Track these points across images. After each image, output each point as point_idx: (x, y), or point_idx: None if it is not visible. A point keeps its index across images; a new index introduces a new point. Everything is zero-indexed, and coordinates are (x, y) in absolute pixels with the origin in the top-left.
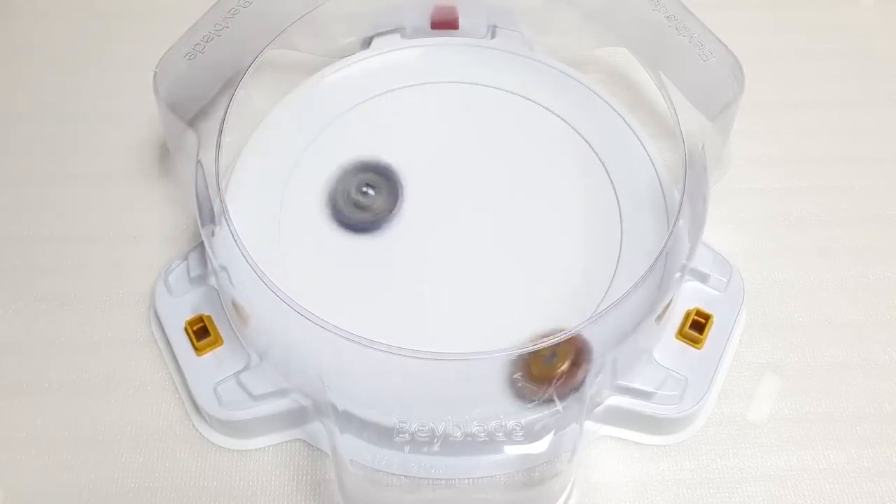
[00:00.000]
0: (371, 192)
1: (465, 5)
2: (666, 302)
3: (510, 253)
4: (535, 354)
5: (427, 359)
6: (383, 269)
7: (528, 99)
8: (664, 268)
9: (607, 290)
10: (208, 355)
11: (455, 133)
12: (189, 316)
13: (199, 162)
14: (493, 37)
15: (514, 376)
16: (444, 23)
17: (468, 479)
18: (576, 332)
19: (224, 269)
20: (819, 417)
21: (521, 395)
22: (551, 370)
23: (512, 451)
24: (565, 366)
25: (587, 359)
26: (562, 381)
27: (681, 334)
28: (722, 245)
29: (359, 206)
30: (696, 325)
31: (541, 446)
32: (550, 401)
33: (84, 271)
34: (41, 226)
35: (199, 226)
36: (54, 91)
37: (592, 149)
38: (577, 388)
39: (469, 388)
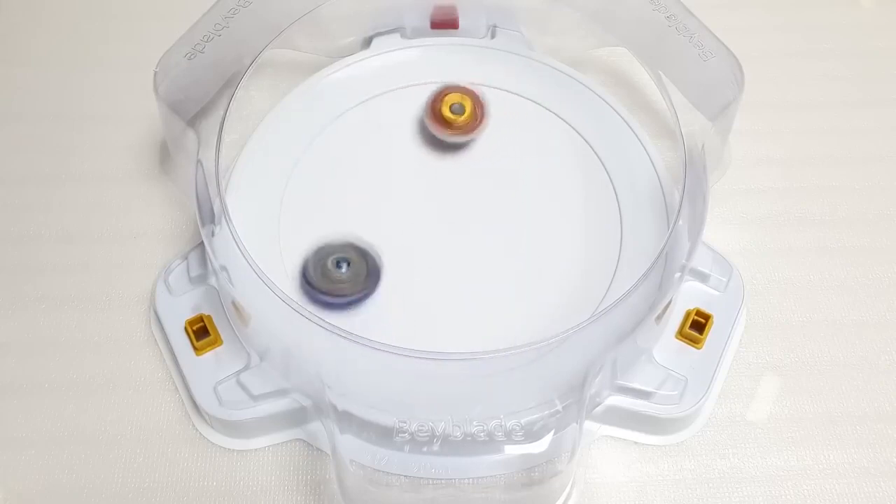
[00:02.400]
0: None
1: (465, 5)
2: (666, 302)
3: (510, 253)
4: (444, 103)
5: (427, 359)
6: (383, 269)
7: (528, 99)
8: (664, 268)
9: (607, 290)
10: (208, 355)
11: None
12: (189, 316)
13: (199, 162)
14: (493, 37)
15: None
16: (444, 23)
17: (468, 478)
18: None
19: (224, 269)
20: (819, 417)
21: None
22: (457, 117)
23: (512, 450)
24: (467, 114)
25: (484, 111)
26: (465, 126)
27: (681, 334)
28: (722, 245)
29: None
30: (696, 325)
31: (541, 446)
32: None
33: (84, 271)
34: (41, 226)
35: (199, 226)
36: (54, 91)
37: (592, 149)
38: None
39: (469, 388)
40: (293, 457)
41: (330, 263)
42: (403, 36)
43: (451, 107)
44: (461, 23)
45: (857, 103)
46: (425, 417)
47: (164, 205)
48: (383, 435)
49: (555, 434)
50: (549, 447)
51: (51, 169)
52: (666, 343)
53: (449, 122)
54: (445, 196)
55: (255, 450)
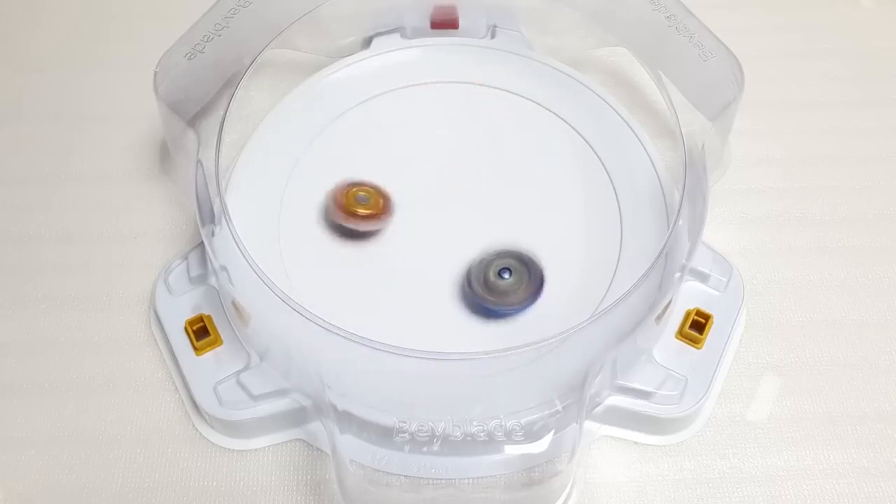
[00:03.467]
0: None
1: (465, 5)
2: (666, 302)
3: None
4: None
5: (427, 359)
6: (383, 269)
7: (528, 99)
8: (664, 268)
9: (607, 290)
10: (208, 355)
11: (455, 133)
12: (189, 316)
13: (199, 162)
14: (493, 37)
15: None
16: (444, 23)
17: (468, 478)
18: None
19: (224, 269)
20: (819, 417)
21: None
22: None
23: (512, 450)
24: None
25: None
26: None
27: (681, 334)
28: (722, 245)
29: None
30: (696, 325)
31: (541, 446)
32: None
33: (84, 271)
34: (41, 226)
35: (199, 226)
36: (54, 91)
37: (592, 149)
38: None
39: (469, 388)
40: (293, 457)
41: (492, 273)
42: (403, 36)
43: (356, 197)
44: (461, 23)
45: (857, 103)
46: (425, 417)
47: (164, 205)
48: (383, 435)
49: (555, 434)
50: (549, 447)
51: (51, 169)
52: (666, 343)
53: (354, 213)
54: (445, 196)
55: (255, 450)
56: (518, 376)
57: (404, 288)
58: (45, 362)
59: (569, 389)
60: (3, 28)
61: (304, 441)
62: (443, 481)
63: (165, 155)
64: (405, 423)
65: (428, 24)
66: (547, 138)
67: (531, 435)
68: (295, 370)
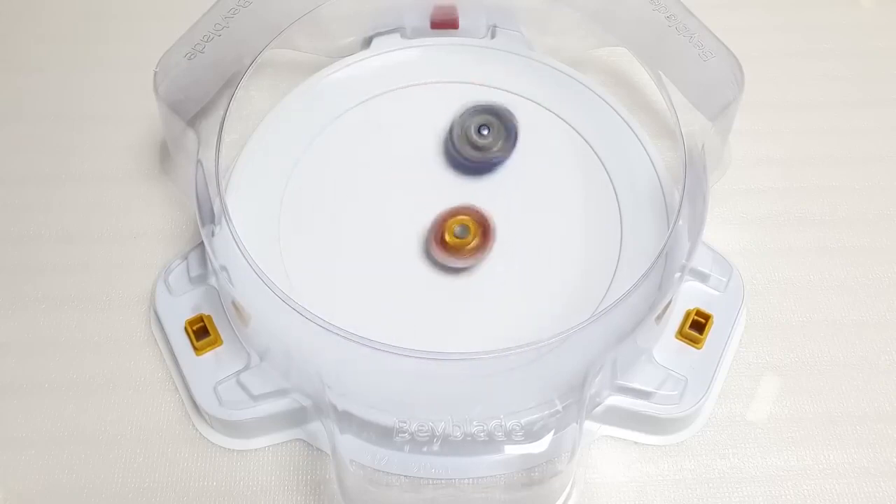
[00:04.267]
0: None
1: (465, 5)
2: (666, 302)
3: (510, 253)
4: (447, 228)
5: (427, 359)
6: (384, 269)
7: (528, 99)
8: (664, 268)
9: (607, 290)
10: (208, 355)
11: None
12: (189, 316)
13: (199, 162)
14: (493, 37)
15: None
16: (444, 23)
17: (468, 478)
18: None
19: (224, 269)
20: (819, 417)
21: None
22: (463, 243)
23: (512, 450)
24: (475, 241)
25: (491, 235)
26: (471, 253)
27: (681, 334)
28: (722, 245)
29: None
30: (696, 325)
31: (541, 446)
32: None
33: (84, 271)
34: (41, 226)
35: (199, 226)
36: (54, 91)
37: (592, 149)
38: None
39: (469, 388)
40: (293, 457)
41: (473, 130)
42: (403, 36)
43: (454, 230)
44: (461, 23)
45: (857, 103)
46: (425, 417)
47: (164, 205)
48: (383, 435)
49: (555, 434)
50: (549, 447)
51: (51, 169)
52: (666, 343)
53: (453, 246)
54: (446, 196)
55: (255, 450)
56: (518, 376)
57: (404, 287)
58: (45, 362)
59: (569, 389)
60: (3, 28)
61: (304, 441)
62: (443, 481)
63: (165, 155)
64: (405, 423)
65: (428, 24)
66: (547, 138)
67: (531, 435)
68: (295, 370)
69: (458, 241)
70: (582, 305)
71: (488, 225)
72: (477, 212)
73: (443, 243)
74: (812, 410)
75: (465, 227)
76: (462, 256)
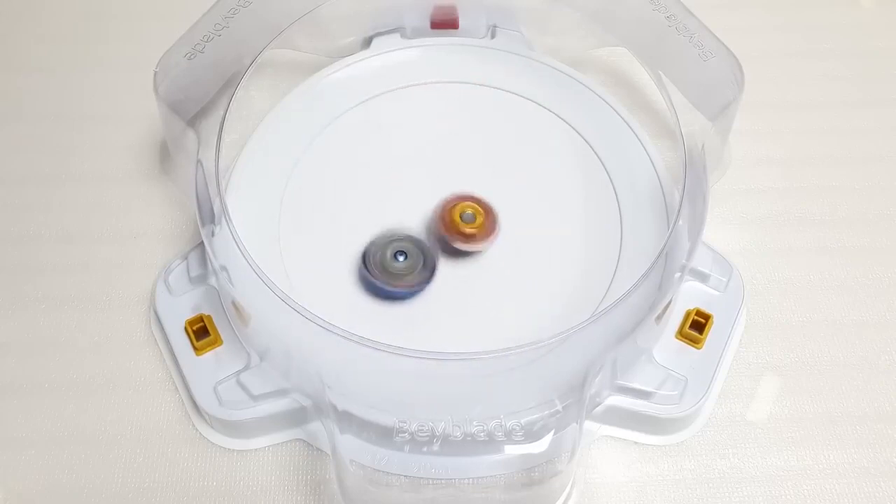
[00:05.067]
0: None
1: (465, 5)
2: (666, 302)
3: (510, 253)
4: (456, 212)
5: (427, 359)
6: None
7: (528, 99)
8: (664, 268)
9: (607, 290)
10: (208, 355)
11: (455, 133)
12: (189, 316)
13: (199, 162)
14: (493, 37)
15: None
16: (444, 23)
17: (468, 478)
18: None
19: (224, 269)
20: (819, 417)
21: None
22: (470, 226)
23: (512, 450)
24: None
25: (495, 221)
26: (477, 236)
27: (681, 334)
28: (722, 245)
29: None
30: (696, 325)
31: (541, 446)
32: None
33: (84, 271)
34: (41, 226)
35: (199, 226)
36: (54, 91)
37: (592, 149)
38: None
39: (469, 388)
40: (293, 457)
41: (389, 254)
42: (403, 36)
43: (461, 215)
44: (461, 23)
45: (857, 103)
46: (425, 417)
47: (164, 205)
48: (383, 435)
49: (555, 434)
50: (549, 447)
51: (51, 169)
52: (666, 343)
53: (462, 232)
54: (444, 196)
55: (255, 450)
56: (518, 376)
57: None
58: (45, 362)
59: (569, 389)
60: (3, 28)
61: (304, 441)
62: (443, 481)
63: (165, 155)
64: (405, 423)
65: (428, 24)
66: (547, 138)
67: (531, 435)
68: (295, 370)
69: (466, 225)
70: (582, 305)
71: (492, 211)
72: (479, 200)
73: (452, 227)
74: (812, 410)
75: (472, 214)
76: (471, 242)
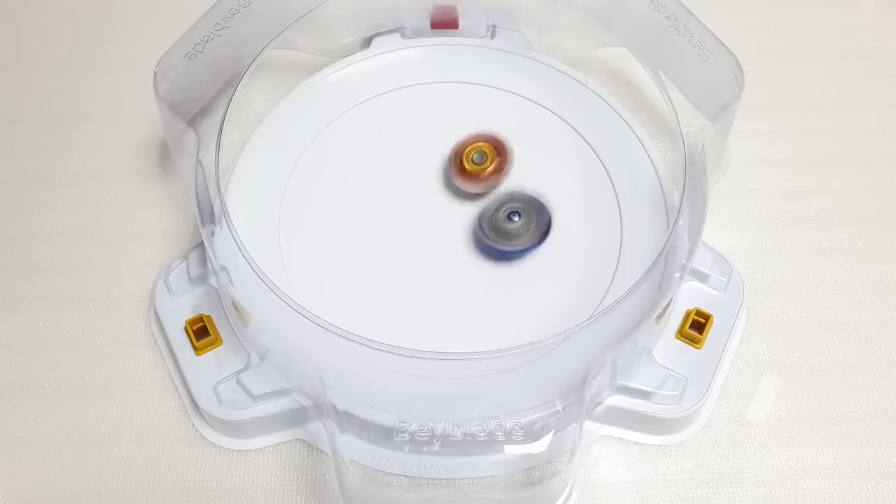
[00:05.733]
0: None
1: (465, 5)
2: (666, 302)
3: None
4: (465, 155)
5: (427, 359)
6: (384, 269)
7: (528, 99)
8: (664, 268)
9: (607, 290)
10: (208, 355)
11: (455, 133)
12: (189, 316)
13: (199, 162)
14: (493, 37)
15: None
16: (444, 23)
17: (468, 478)
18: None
19: (224, 269)
20: (819, 417)
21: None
22: (482, 168)
23: (512, 450)
24: (492, 165)
25: (508, 158)
26: (491, 176)
27: (681, 334)
28: (722, 245)
29: None
30: (696, 325)
31: (540, 446)
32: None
33: (84, 271)
34: (41, 226)
35: (199, 226)
36: (55, 91)
37: (592, 149)
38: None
39: (469, 388)
40: (293, 457)
41: (503, 215)
42: (403, 36)
43: (472, 157)
44: (461, 23)
45: (857, 103)
46: (425, 417)
47: (164, 205)
48: (383, 435)
49: (555, 434)
50: (549, 447)
51: (51, 169)
52: (666, 343)
53: (471, 173)
54: (446, 195)
55: (255, 450)
56: (518, 376)
57: (405, 287)
58: (45, 362)
59: (569, 389)
60: (4, 28)
61: (304, 441)
62: (443, 481)
63: (165, 155)
64: (405, 423)
65: (428, 24)
66: (547, 138)
67: (531, 435)
68: (295, 370)
69: (476, 167)
70: (582, 305)
71: (504, 148)
72: (492, 137)
73: (462, 170)
74: (812, 410)
75: (483, 154)
76: (481, 181)
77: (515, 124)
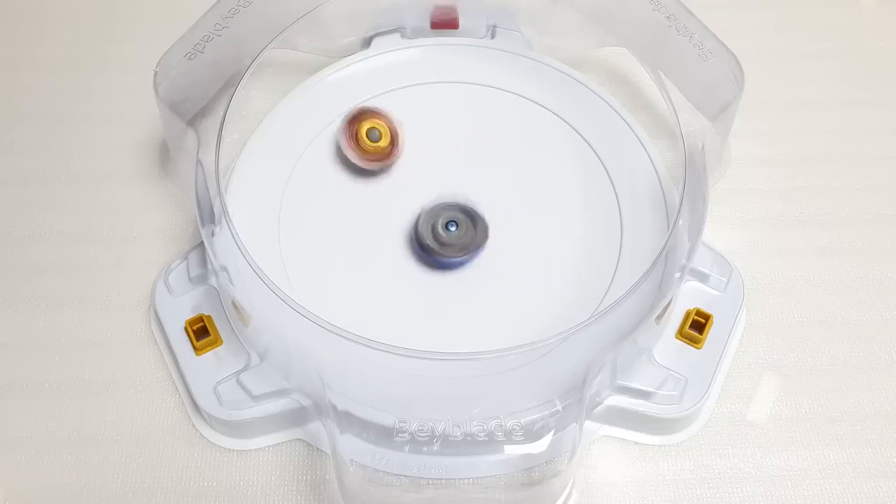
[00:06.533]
0: None
1: (465, 5)
2: (666, 302)
3: (510, 253)
4: (362, 134)
5: (427, 359)
6: (384, 269)
7: (528, 99)
8: (664, 268)
9: (607, 290)
10: (208, 355)
11: (455, 133)
12: (189, 316)
13: (199, 162)
14: (493, 37)
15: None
16: (444, 23)
17: (468, 478)
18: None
19: (224, 269)
20: (819, 417)
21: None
22: (378, 145)
23: (512, 450)
24: (387, 141)
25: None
26: (388, 153)
27: (681, 334)
28: (722, 245)
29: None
30: (696, 325)
31: (541, 446)
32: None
33: (84, 271)
34: (41, 226)
35: (199, 226)
36: (55, 91)
37: (592, 149)
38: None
39: (469, 388)
40: (293, 457)
41: (440, 225)
42: (403, 36)
43: (367, 132)
44: (461, 23)
45: (857, 103)
46: (425, 417)
47: (164, 205)
48: (383, 435)
49: (555, 434)
50: (549, 447)
51: (51, 169)
52: (666, 343)
53: (366, 149)
54: (444, 196)
55: (255, 450)
56: (518, 376)
57: (404, 287)
58: (45, 362)
59: (569, 389)
60: (4, 28)
61: (304, 441)
62: (443, 481)
63: (165, 155)
64: (405, 423)
65: (428, 24)
66: (547, 138)
67: (531, 435)
68: (295, 370)
69: (371, 144)
70: (582, 305)
71: (396, 132)
72: (385, 116)
73: (357, 145)
74: (812, 410)
75: (377, 131)
76: (375, 159)
77: (515, 124)
